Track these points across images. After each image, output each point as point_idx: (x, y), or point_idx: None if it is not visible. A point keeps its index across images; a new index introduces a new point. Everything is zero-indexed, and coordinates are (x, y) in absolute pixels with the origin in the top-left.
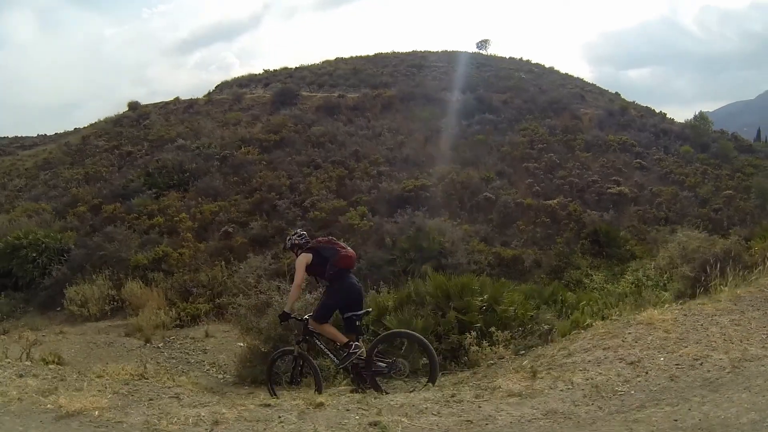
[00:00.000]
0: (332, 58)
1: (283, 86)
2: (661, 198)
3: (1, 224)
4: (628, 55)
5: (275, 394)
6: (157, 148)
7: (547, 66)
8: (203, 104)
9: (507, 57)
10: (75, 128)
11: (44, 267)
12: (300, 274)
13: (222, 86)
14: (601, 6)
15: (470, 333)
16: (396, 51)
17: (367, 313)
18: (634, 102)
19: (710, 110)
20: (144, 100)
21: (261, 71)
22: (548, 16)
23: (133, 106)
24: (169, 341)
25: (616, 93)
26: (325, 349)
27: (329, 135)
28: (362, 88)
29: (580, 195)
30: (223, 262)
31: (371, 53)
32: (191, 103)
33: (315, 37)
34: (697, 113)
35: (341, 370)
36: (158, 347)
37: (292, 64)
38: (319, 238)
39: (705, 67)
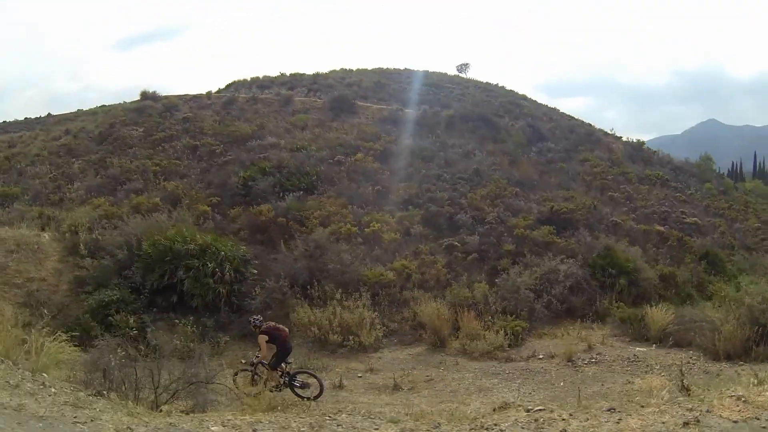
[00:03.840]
0: (338, 68)
1: (340, 93)
2: (722, 228)
3: (132, 222)
4: (562, 85)
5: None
6: (233, 144)
7: (520, 93)
8: (244, 102)
9: (484, 81)
10: (68, 113)
11: (232, 283)
12: (264, 347)
13: (237, 85)
14: (540, 40)
15: None
16: (396, 68)
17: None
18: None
19: (624, 139)
20: (78, 95)
21: (278, 73)
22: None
23: (151, 96)
24: (595, 359)
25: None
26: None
27: (428, 150)
28: (392, 101)
29: (665, 223)
30: (464, 277)
31: (369, 67)
32: (230, 100)
33: (263, 44)
34: (702, 155)
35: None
36: (590, 361)
37: (301, 70)
38: (267, 325)
39: (635, 100)
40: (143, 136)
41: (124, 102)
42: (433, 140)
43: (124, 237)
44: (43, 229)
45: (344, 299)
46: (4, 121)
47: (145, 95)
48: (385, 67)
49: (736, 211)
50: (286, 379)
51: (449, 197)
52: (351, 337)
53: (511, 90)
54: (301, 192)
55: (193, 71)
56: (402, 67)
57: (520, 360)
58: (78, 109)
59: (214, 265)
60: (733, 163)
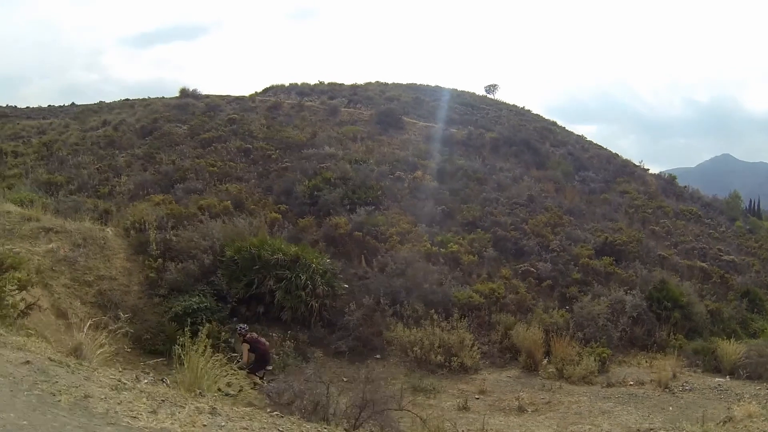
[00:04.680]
0: (373, 80)
1: (387, 108)
2: (756, 267)
3: (215, 226)
4: (578, 110)
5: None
6: (286, 151)
7: (548, 119)
8: (289, 108)
9: (511, 104)
10: (91, 103)
11: (324, 297)
12: (246, 355)
13: (276, 90)
14: (559, 62)
15: None
16: (428, 84)
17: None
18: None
19: (651, 172)
20: (96, 87)
21: (317, 81)
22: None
23: (191, 94)
24: (688, 387)
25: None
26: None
27: (480, 172)
28: (431, 118)
29: (704, 259)
30: (540, 302)
31: (403, 81)
32: (275, 105)
33: (285, 51)
34: (731, 193)
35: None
36: (684, 389)
37: (338, 80)
38: (251, 335)
39: (650, 130)
40: (189, 133)
41: (171, 97)
42: (481, 162)
43: (209, 241)
44: (104, 223)
45: (440, 320)
46: (27, 107)
47: (184, 93)
48: (418, 83)
49: (767, 250)
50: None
51: (512, 222)
52: (453, 359)
53: (537, 114)
54: (373, 207)
55: (214, 72)
56: (433, 84)
57: (619, 385)
58: (99, 101)
59: (306, 277)
60: (750, 200)
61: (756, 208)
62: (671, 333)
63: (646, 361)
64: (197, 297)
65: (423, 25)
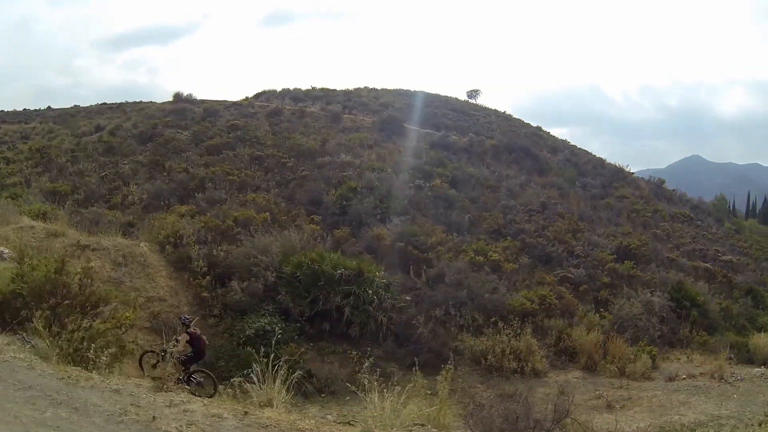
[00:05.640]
0: (362, 86)
1: (389, 115)
2: (751, 266)
3: (271, 242)
4: (549, 113)
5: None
6: (299, 158)
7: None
8: (290, 114)
9: (493, 109)
10: (68, 107)
11: (388, 311)
12: (182, 344)
13: (268, 95)
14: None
15: None
16: (409, 89)
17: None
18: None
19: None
20: (68, 91)
21: (311, 87)
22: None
23: (187, 99)
24: (739, 377)
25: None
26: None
27: (491, 179)
28: (427, 125)
29: (704, 260)
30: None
31: (391, 86)
32: (275, 111)
33: (258, 56)
34: (717, 195)
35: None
36: (736, 379)
37: (331, 85)
38: (194, 328)
39: (621, 132)
40: (192, 140)
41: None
42: (490, 170)
43: (269, 257)
44: (128, 236)
45: (504, 327)
46: (2, 110)
47: (179, 97)
48: (404, 89)
49: (758, 250)
50: (186, 375)
51: (535, 229)
52: (527, 364)
53: (520, 119)
54: (407, 217)
55: (187, 76)
56: (417, 89)
57: (678, 379)
58: (74, 105)
59: (372, 291)
60: (728, 201)
61: (732, 208)
62: (692, 330)
63: (686, 357)
64: (267, 317)
65: (396, 29)
